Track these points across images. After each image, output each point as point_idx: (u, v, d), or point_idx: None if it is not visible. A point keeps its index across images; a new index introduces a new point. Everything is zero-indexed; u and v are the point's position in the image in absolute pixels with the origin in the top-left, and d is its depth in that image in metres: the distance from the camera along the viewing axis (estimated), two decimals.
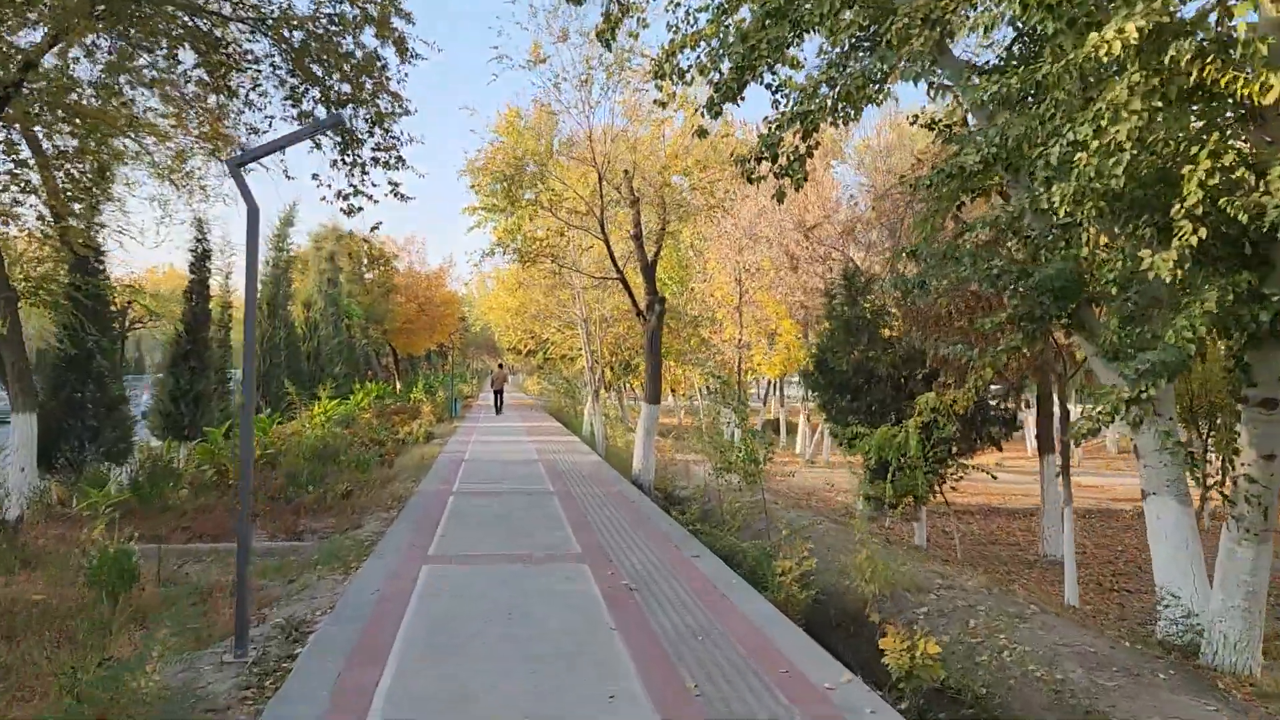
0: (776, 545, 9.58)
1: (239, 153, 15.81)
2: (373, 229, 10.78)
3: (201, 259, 16.87)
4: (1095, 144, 6.07)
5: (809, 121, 9.27)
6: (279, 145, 6.41)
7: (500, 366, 45.50)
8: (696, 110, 10.47)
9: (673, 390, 44.69)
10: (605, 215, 17.36)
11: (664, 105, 12.94)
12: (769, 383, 37.43)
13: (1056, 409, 14.61)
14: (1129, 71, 6.11)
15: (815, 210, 22.77)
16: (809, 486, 20.22)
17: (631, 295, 17.79)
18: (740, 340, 25.09)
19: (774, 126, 9.37)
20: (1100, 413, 6.46)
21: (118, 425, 12.74)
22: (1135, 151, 5.94)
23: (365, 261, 42.19)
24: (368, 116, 9.78)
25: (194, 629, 6.41)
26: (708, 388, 37.08)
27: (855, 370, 13.50)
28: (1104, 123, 6.08)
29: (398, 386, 45.66)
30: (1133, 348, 7.57)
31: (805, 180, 9.54)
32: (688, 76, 11.54)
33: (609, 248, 17.46)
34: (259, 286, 18.48)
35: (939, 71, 8.76)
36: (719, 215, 21.92)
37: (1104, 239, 7.64)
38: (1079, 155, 6.30)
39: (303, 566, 8.91)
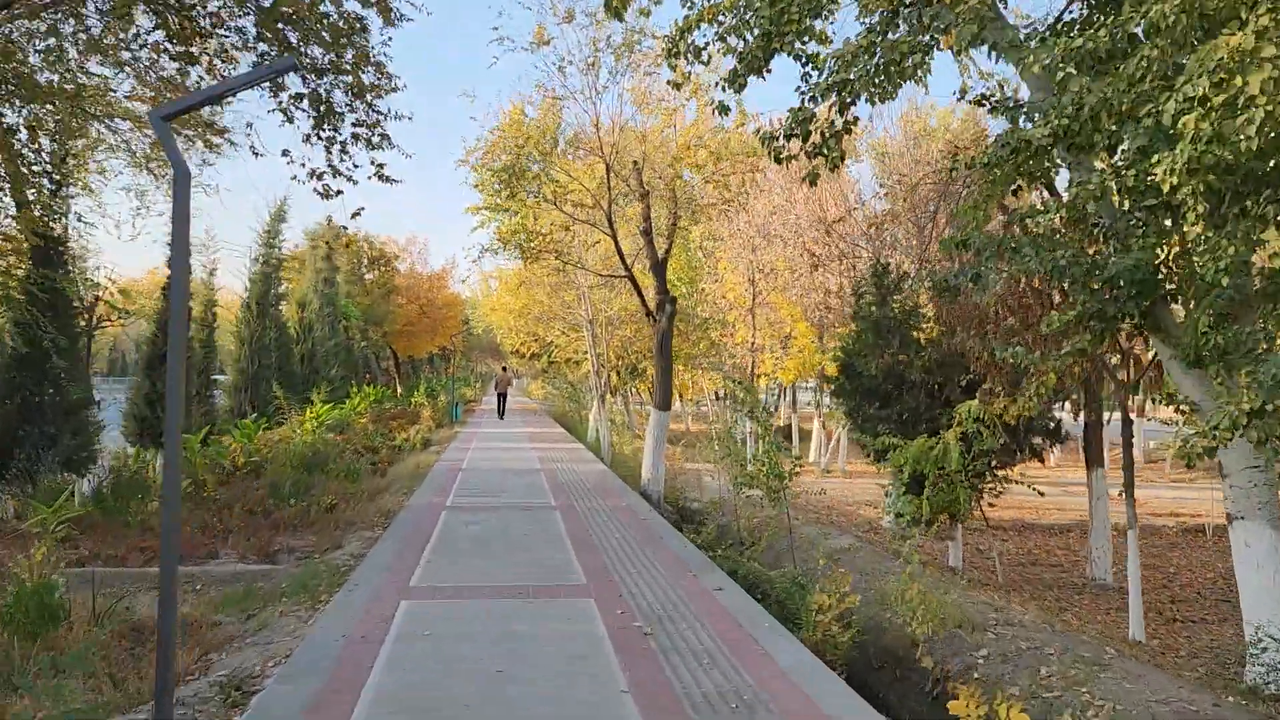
0: (809, 574, 8.46)
1: (214, 137, 14.79)
2: (354, 215, 9.61)
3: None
4: (1219, 97, 4.96)
5: (847, 92, 8.17)
6: (216, 94, 5.32)
7: (504, 370, 44.44)
8: (718, 84, 9.38)
9: (680, 395, 43.60)
10: (613, 209, 16.26)
11: (678, 86, 11.89)
12: (780, 388, 36.32)
13: (1107, 417, 13.46)
14: (1258, 12, 5.01)
15: (835, 206, 21.65)
16: (827, 498, 19.08)
17: (640, 295, 16.70)
18: (753, 343, 23.97)
19: (806, 98, 8.27)
20: (1216, 428, 5.34)
21: (79, 431, 11.67)
22: (1271, 107, 4.84)
23: (365, 261, 41.18)
24: (349, 88, 8.69)
25: (106, 691, 5.30)
26: (718, 393, 35.95)
27: (885, 375, 12.38)
28: (1228, 75, 4.98)
29: (398, 390, 44.62)
30: (1231, 352, 6.46)
31: (842, 160, 8.44)
32: (704, 55, 10.48)
33: (617, 244, 16.36)
34: (247, 285, 17.15)
35: (989, 38, 7.62)
36: (733, 211, 20.83)
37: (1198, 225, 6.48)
38: (1184, 120, 5.19)
39: (269, 597, 7.81)
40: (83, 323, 15.99)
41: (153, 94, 11.90)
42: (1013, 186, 8.27)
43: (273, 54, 8.35)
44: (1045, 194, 11.98)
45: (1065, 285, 7.80)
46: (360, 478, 15.69)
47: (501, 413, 37.16)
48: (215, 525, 11.18)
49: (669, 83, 11.85)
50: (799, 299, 24.18)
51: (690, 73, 11.28)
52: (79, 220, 12.76)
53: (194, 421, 16.39)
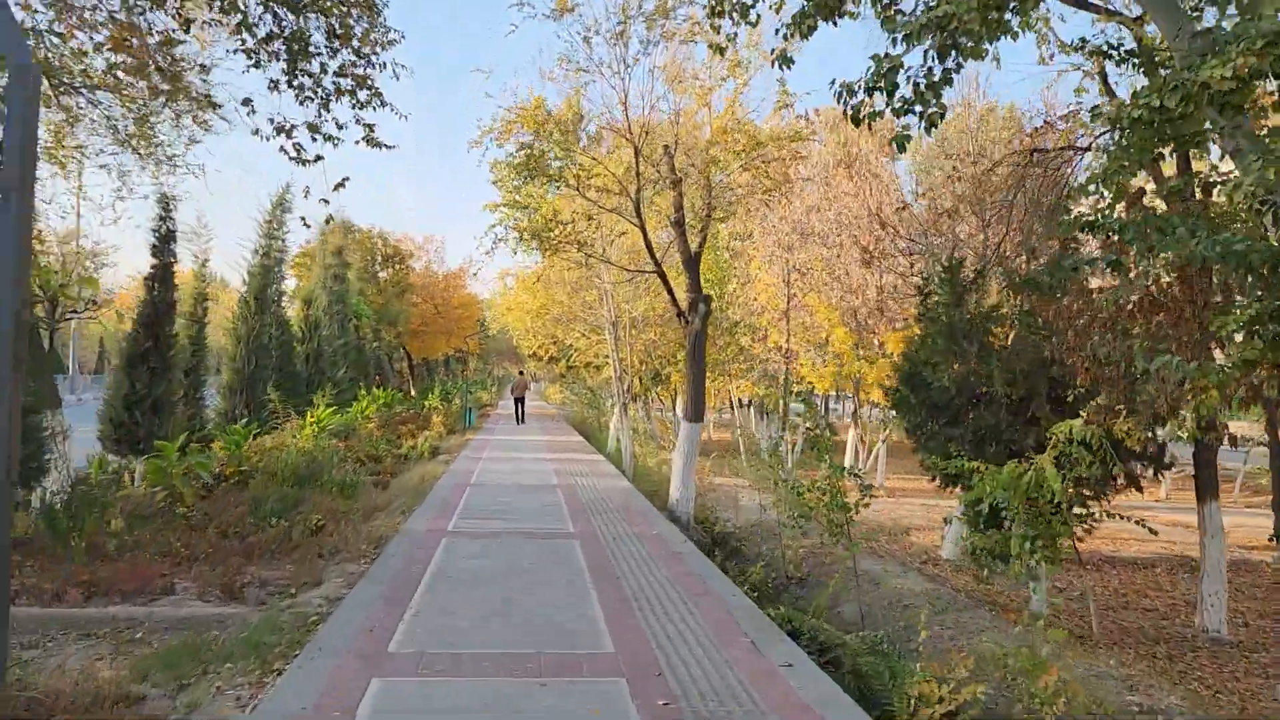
0: (891, 636, 6.77)
1: (206, 115, 13.25)
2: (337, 187, 8.00)
3: (165, 240, 14.28)
4: None
5: (950, 31, 6.49)
6: None
7: (521, 374, 42.94)
8: (779, 31, 7.74)
9: (714, 407, 41.86)
10: (641, 198, 14.63)
11: (720, 51, 10.31)
12: (809, 395, 34.53)
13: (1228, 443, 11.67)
14: None
15: (887, 197, 19.94)
16: (872, 520, 17.31)
17: (671, 292, 15.05)
18: (786, 349, 22.27)
19: (898, 38, 6.60)
20: None
21: (29, 439, 10.14)
22: None
23: (379, 259, 39.78)
24: (330, 30, 7.09)
25: None
26: (744, 400, 34.20)
27: (959, 388, 10.66)
28: None
29: (412, 393, 43.18)
30: None
31: (941, 118, 6.74)
32: (752, 14, 8.87)
33: (645, 235, 14.72)
34: (245, 278, 15.52)
35: None
36: (771, 203, 19.16)
37: None
38: None
39: (215, 657, 6.19)
40: (41, 313, 14.44)
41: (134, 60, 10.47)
42: (1153, 155, 6.56)
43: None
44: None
45: (1234, 276, 6.10)
46: (358, 492, 14.10)
47: (520, 418, 35.72)
48: (180, 550, 9.59)
49: (711, 46, 10.19)
50: (838, 301, 22.48)
51: (734, 36, 9.63)
52: (47, 203, 11.25)
53: (177, 426, 14.87)
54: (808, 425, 10.88)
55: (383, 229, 39.88)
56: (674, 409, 44.56)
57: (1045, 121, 11.49)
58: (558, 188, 14.47)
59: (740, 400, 36.56)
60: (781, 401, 22.81)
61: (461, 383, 40.43)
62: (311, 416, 20.00)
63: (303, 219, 10.72)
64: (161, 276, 14.17)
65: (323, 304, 27.65)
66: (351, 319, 31.49)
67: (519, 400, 36.81)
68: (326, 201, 8.21)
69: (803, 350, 22.63)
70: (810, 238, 21.94)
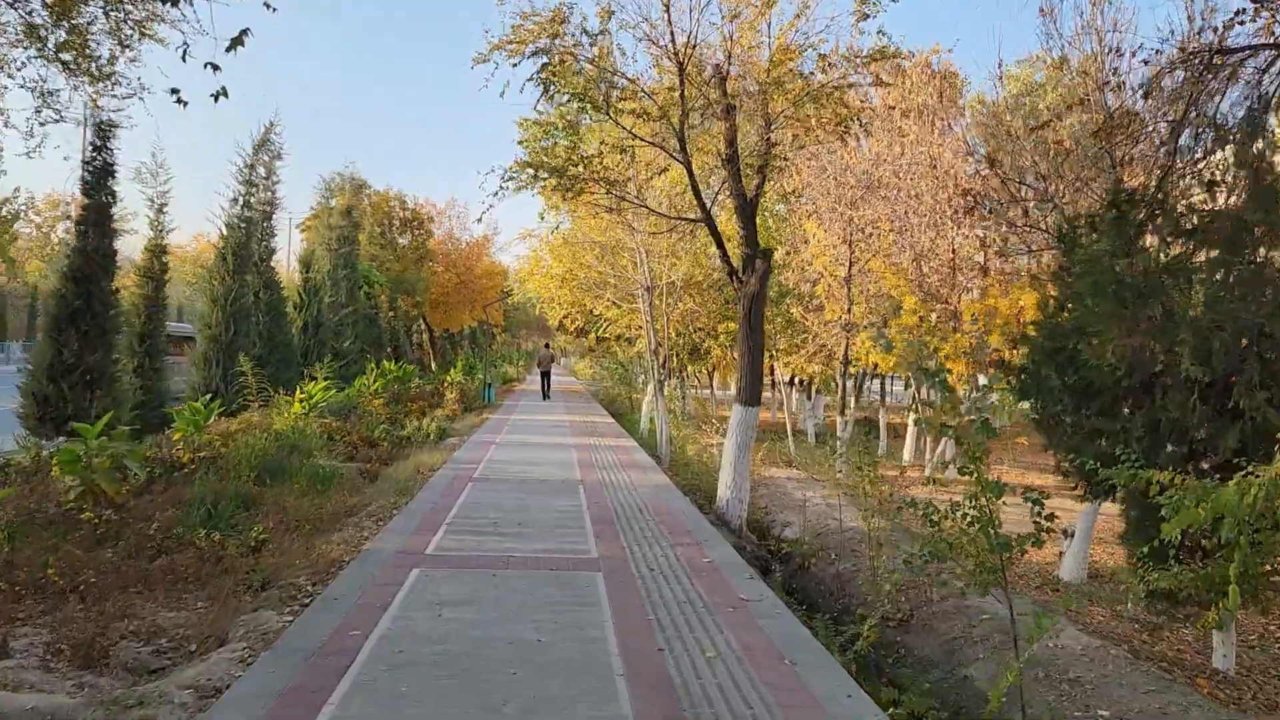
0: None
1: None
2: (234, 44, 5.19)
3: (100, 175, 11.63)
4: None
5: None
6: None
7: (546, 347, 40.30)
8: None
9: (725, 378, 38.94)
10: (687, 127, 11.74)
11: None
12: (860, 373, 31.41)
13: None
14: None
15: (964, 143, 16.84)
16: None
17: (721, 245, 12.16)
18: (847, 321, 19.28)
19: None
20: None
21: None
22: None
23: (396, 223, 37.16)
24: None
25: None
26: (794, 379, 31.23)
27: (1132, 366, 7.69)
28: None
29: (432, 367, 40.70)
30: None
31: None
32: None
33: (691, 173, 11.84)
34: (223, 231, 12.93)
35: None
36: (839, 144, 16.17)
37: None
38: None
39: None
40: None
41: None
42: None
43: None
44: None
45: None
46: (333, 487, 11.46)
47: (546, 393, 33.41)
48: (55, 579, 6.95)
49: None
50: (907, 265, 19.44)
51: None
52: None
53: (124, 402, 12.30)
54: (946, 411, 8.02)
55: (401, 191, 37.24)
56: (710, 386, 41.75)
57: (1237, 12, 8.40)
58: (584, 111, 11.58)
59: (792, 379, 33.60)
60: (839, 382, 19.85)
61: (485, 356, 37.81)
62: (302, 393, 17.42)
63: (174, 93, 7.91)
64: (95, 220, 11.53)
65: (325, 267, 25.05)
66: (361, 286, 28.92)
67: (545, 374, 34.64)
68: (217, 68, 5.42)
69: (865, 323, 19.60)
70: (876, 190, 18.90)
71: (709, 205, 12.27)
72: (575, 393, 39.99)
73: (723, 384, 38.15)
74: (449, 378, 33.70)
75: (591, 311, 24.80)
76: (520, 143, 36.38)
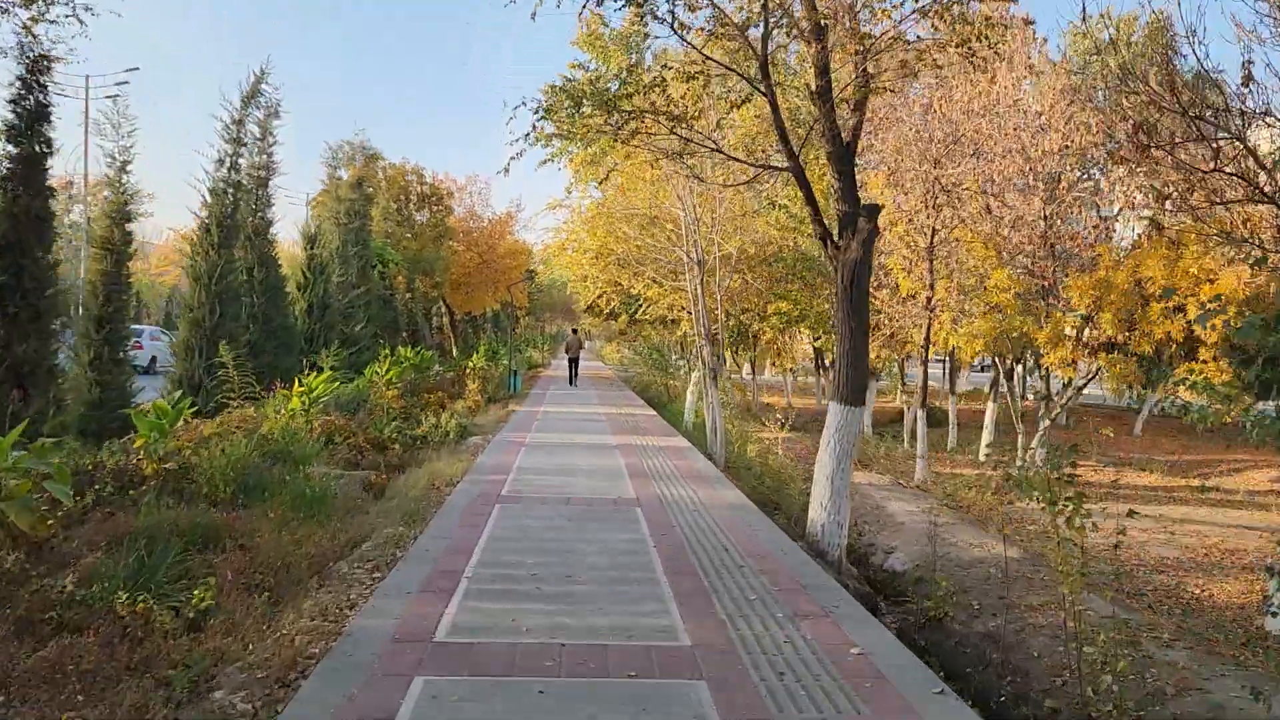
0: None
1: None
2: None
3: (32, 119, 9.20)
4: None
5: None
6: None
7: (574, 333, 37.89)
8: None
9: (772, 363, 36.24)
10: (770, 45, 9.13)
11: None
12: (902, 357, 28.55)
13: None
14: None
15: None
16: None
17: (812, 201, 9.53)
18: (930, 300, 16.60)
19: None
20: None
21: None
22: None
23: (413, 199, 34.72)
24: None
25: None
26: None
27: None
28: None
29: (454, 352, 38.35)
30: None
31: None
32: None
33: (775, 109, 9.22)
34: (205, 199, 10.35)
35: None
36: (958, 79, 13.52)
37: None
38: None
39: None
40: None
41: None
42: None
43: None
44: None
45: None
46: (327, 512, 9.03)
47: (573, 379, 31.82)
48: None
49: None
50: (994, 234, 16.80)
51: None
52: None
53: (75, 400, 9.91)
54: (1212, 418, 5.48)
55: (418, 164, 34.76)
56: (752, 372, 39.08)
57: None
58: (644, 21, 8.96)
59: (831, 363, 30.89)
60: (899, 369, 17.16)
61: (509, 341, 35.34)
62: (300, 385, 15.04)
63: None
64: (25, 176, 9.10)
65: (334, 244, 22.64)
66: (375, 265, 26.51)
67: (573, 360, 32.68)
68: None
69: (950, 302, 16.91)
70: (964, 145, 16.21)
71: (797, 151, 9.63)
72: (605, 379, 37.49)
73: (775, 369, 35.39)
74: (471, 364, 31.38)
75: (629, 291, 22.24)
76: (546, 109, 33.88)
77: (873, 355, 22.45)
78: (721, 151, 9.18)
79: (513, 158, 8.74)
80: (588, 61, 28.97)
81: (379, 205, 30.29)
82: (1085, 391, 24.00)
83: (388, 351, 23.07)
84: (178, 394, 11.81)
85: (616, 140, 9.57)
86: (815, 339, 24.08)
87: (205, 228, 14.39)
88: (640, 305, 22.90)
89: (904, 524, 11.09)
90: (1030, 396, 28.44)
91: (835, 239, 9.44)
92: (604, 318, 41.95)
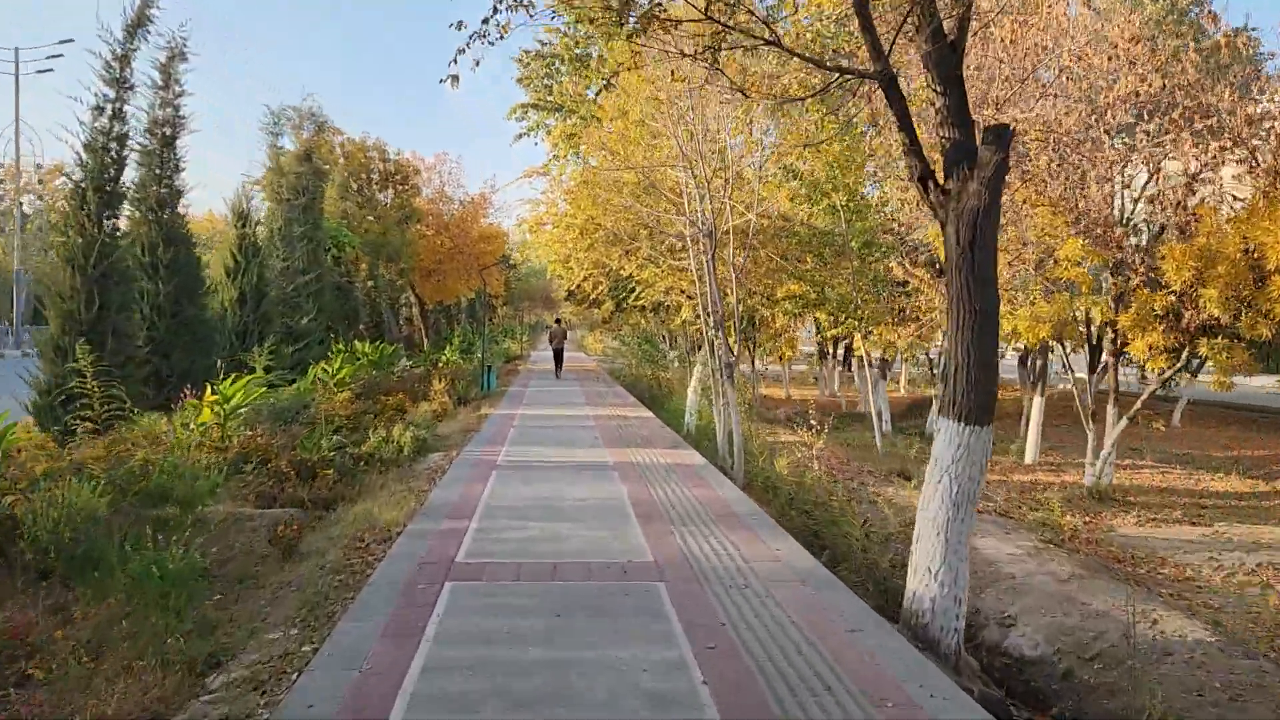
0: None
1: None
2: None
3: None
4: None
5: None
6: None
7: (558, 322, 34.90)
8: None
9: (780, 357, 33.32)
10: None
11: None
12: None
13: None
14: None
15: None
16: (1178, 559, 8.86)
17: (908, 127, 6.49)
18: None
19: None
20: None
21: None
22: None
23: (375, 177, 31.43)
24: None
25: None
26: (866, 356, 25.55)
27: None
28: None
29: (425, 346, 35.14)
30: None
31: None
32: None
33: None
34: (80, 159, 7.39)
35: None
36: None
37: None
38: None
39: None
40: None
41: None
42: None
43: None
44: None
45: None
46: (187, 600, 5.95)
47: (558, 372, 29.82)
48: None
49: None
50: (1062, 199, 13.89)
51: None
52: None
53: None
54: None
55: (380, 140, 31.44)
56: (752, 361, 36.07)
57: None
58: None
59: (869, 359, 27.98)
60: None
61: (484, 332, 32.14)
62: (212, 395, 11.93)
63: None
64: None
65: (275, 223, 19.40)
66: (328, 248, 23.28)
67: (558, 351, 30.60)
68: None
69: (1014, 279, 13.96)
70: (1029, 84, 13.25)
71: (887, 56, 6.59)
72: (590, 372, 34.38)
73: (773, 359, 32.42)
74: (443, 358, 28.22)
75: (618, 273, 19.15)
76: (520, 80, 30.60)
77: (900, 339, 19.54)
78: (779, 44, 6.12)
79: (460, 50, 5.47)
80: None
81: (334, 182, 27.00)
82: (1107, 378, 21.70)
83: (341, 347, 19.90)
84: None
85: (622, 27, 6.43)
86: (833, 325, 21.08)
87: (79, 194, 11.18)
88: (632, 290, 19.83)
89: (1014, 576, 8.12)
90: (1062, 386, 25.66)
91: (940, 182, 6.46)
92: (587, 305, 38.82)
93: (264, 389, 14.91)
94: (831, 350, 35.77)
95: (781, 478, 11.66)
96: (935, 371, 21.95)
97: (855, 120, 18.01)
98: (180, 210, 13.61)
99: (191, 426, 11.85)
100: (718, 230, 13.32)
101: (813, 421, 12.59)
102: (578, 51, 28.86)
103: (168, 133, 13.21)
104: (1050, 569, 8.29)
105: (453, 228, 34.69)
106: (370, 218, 30.08)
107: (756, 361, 38.59)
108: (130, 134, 11.69)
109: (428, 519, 7.89)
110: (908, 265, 15.64)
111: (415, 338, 37.06)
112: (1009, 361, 33.45)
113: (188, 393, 12.07)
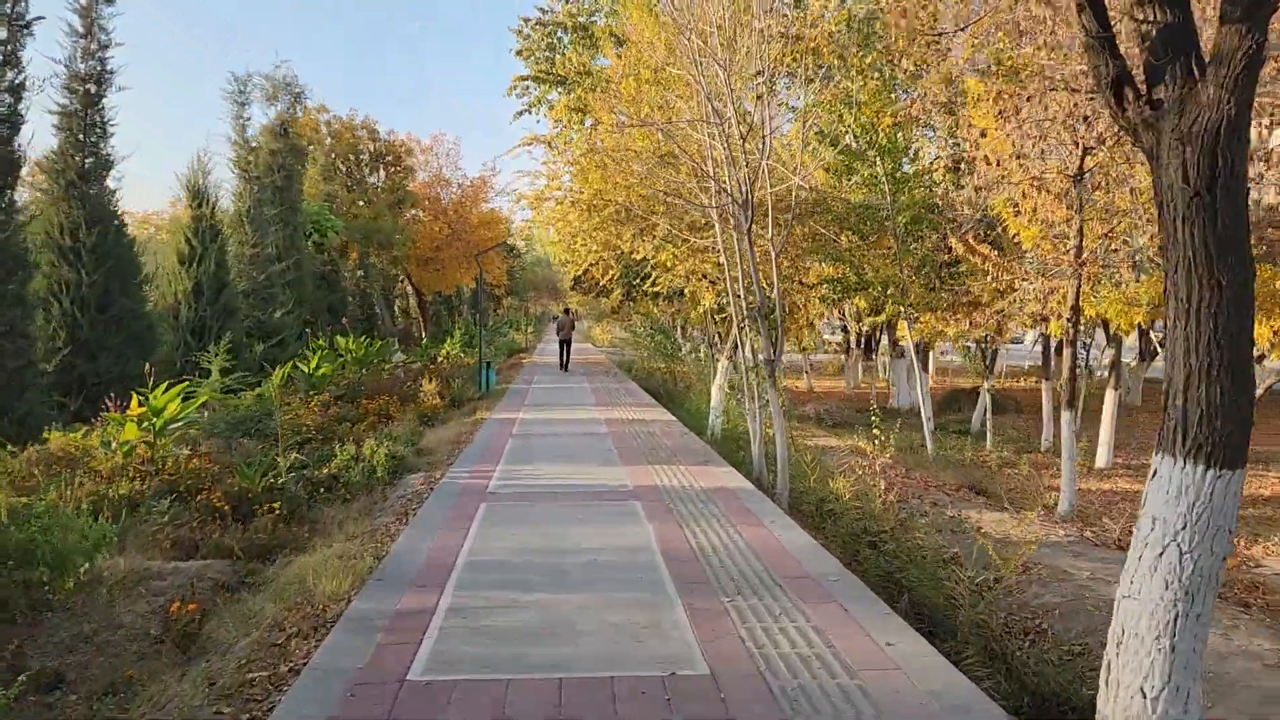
0: None
1: None
2: None
3: None
4: None
5: None
6: None
7: (566, 313, 32.74)
8: None
9: (802, 347, 30.94)
10: None
11: None
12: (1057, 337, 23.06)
13: None
14: None
15: None
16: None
17: (1101, 12, 4.19)
18: (1079, 252, 11.25)
19: None
20: None
21: None
22: None
23: (365, 158, 29.16)
24: None
25: None
26: (897, 344, 23.11)
27: None
28: None
29: (423, 339, 32.92)
30: None
31: None
32: None
33: None
34: None
35: None
36: None
37: None
38: None
39: None
40: None
41: None
42: None
43: None
44: None
45: None
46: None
47: (565, 363, 28.18)
48: None
49: None
50: None
51: None
52: None
53: None
54: None
55: (370, 118, 29.14)
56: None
57: None
58: None
59: (895, 344, 25.68)
60: (1070, 352, 11.75)
61: (483, 325, 29.90)
62: (138, 406, 9.75)
63: None
64: None
65: (243, 204, 17.16)
66: (309, 234, 21.03)
67: (565, 343, 28.93)
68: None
69: (1099, 254, 11.61)
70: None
71: None
72: (598, 365, 32.10)
73: (807, 349, 30.03)
74: (443, 352, 25.99)
75: (631, 256, 16.86)
76: (519, 53, 28.25)
77: (950, 326, 17.19)
78: None
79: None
80: None
81: (317, 162, 24.73)
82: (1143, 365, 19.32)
83: (321, 344, 17.67)
84: None
85: None
86: (872, 312, 18.79)
87: None
88: (646, 275, 17.52)
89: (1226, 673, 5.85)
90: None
91: (1149, 95, 4.17)
92: (594, 294, 36.54)
93: (223, 394, 12.72)
94: (857, 339, 33.51)
95: (841, 501, 9.38)
96: (986, 363, 19.58)
97: (898, 79, 15.76)
98: (110, 185, 11.40)
99: (114, 446, 9.67)
100: (754, 199, 11.01)
101: (876, 430, 10.27)
102: (580, 20, 26.71)
103: (91, 90, 10.98)
104: (1239, 645, 6.03)
105: (451, 213, 32.45)
106: (360, 202, 27.83)
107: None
108: (31, 86, 9.44)
109: (382, 591, 5.65)
110: (971, 241, 13.31)
111: (413, 331, 34.86)
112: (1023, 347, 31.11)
113: (109, 404, 9.86)
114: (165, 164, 48.40)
